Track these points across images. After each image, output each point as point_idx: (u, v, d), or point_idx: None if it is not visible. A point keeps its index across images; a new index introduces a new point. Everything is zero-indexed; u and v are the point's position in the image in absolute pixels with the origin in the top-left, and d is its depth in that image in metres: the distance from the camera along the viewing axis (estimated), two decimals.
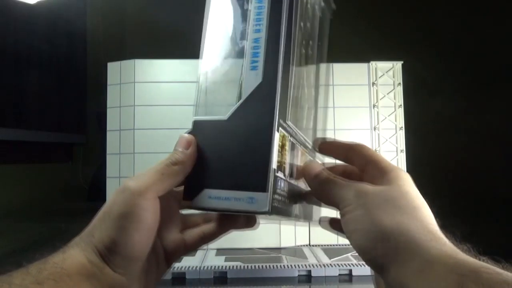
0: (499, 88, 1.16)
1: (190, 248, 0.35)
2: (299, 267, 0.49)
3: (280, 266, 0.49)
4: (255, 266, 0.49)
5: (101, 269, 0.28)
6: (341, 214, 0.31)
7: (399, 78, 0.64)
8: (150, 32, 1.13)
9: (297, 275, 0.48)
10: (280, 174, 0.31)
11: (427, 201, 0.30)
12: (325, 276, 0.48)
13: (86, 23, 1.18)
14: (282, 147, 0.32)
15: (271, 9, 0.33)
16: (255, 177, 0.29)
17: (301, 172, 0.35)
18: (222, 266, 0.49)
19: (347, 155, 0.35)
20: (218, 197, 0.30)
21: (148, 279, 0.32)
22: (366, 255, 0.29)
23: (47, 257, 0.28)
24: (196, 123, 0.32)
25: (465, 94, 1.15)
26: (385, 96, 0.64)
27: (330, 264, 0.49)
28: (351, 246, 0.62)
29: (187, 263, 0.50)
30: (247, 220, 0.34)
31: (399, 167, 0.32)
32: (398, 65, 0.64)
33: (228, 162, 0.30)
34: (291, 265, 0.49)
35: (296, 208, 0.35)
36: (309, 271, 0.48)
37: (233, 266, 0.49)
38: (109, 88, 0.64)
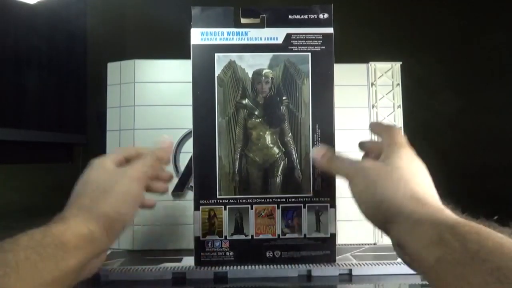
0: (498, 88, 1.16)
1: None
2: (299, 267, 0.49)
3: (280, 266, 0.49)
4: (255, 266, 0.49)
5: (99, 238, 0.35)
6: (348, 185, 0.39)
7: (398, 78, 0.64)
8: (150, 32, 1.13)
9: (297, 275, 0.48)
10: (211, 237, 0.49)
11: None
12: (325, 276, 0.48)
13: (86, 23, 1.18)
14: (211, 217, 0.49)
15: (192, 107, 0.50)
16: None
17: (312, 157, 0.44)
18: (223, 266, 0.49)
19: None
20: None
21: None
22: (371, 222, 0.37)
23: (48, 225, 0.33)
24: None
25: (465, 94, 1.16)
26: (384, 96, 0.64)
27: (330, 264, 0.50)
28: (351, 246, 0.63)
29: (187, 263, 0.51)
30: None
31: (400, 143, 0.39)
32: (397, 65, 0.65)
33: None
34: (291, 265, 0.49)
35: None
36: (309, 271, 0.49)
37: (233, 266, 0.49)
38: (109, 88, 0.64)
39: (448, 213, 0.32)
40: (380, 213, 0.35)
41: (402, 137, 0.40)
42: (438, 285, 0.28)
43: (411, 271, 0.49)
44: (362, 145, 0.46)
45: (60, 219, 0.34)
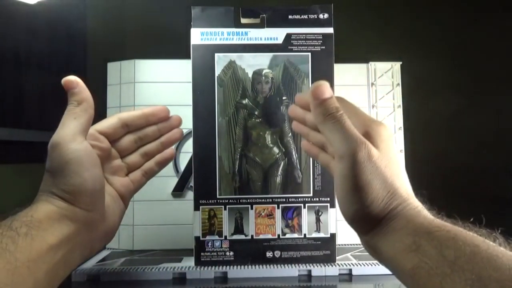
0: (498, 88, 1.16)
1: (138, 185, 0.43)
2: (299, 267, 0.49)
3: (280, 266, 0.49)
4: (255, 266, 0.49)
5: (71, 211, 0.33)
6: (336, 163, 0.33)
7: (398, 78, 0.64)
8: (150, 32, 1.13)
9: (297, 275, 0.48)
10: (211, 238, 0.49)
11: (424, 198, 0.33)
12: (325, 276, 0.48)
13: (86, 23, 1.18)
14: (211, 217, 0.49)
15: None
16: None
17: (311, 93, 0.34)
18: (223, 266, 0.49)
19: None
20: None
21: (113, 218, 0.39)
22: (347, 219, 0.34)
23: (13, 216, 0.31)
24: None
25: (465, 94, 1.16)
26: (384, 96, 0.64)
27: (330, 264, 0.50)
28: (351, 246, 0.63)
29: (187, 263, 0.51)
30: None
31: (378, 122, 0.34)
32: (397, 65, 0.65)
33: None
34: (291, 265, 0.49)
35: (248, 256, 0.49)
36: (309, 271, 0.49)
37: (233, 266, 0.49)
38: (109, 88, 0.64)
39: (425, 215, 0.30)
40: (363, 216, 0.32)
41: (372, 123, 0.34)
42: None
43: None
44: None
45: (24, 210, 0.33)
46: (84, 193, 0.34)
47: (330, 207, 0.50)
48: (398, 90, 0.64)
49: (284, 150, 0.50)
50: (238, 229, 0.49)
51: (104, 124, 0.41)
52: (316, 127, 0.36)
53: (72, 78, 0.36)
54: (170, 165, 0.61)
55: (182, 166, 0.61)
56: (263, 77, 0.50)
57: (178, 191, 0.60)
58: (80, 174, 0.34)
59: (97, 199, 0.36)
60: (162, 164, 0.45)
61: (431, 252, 0.26)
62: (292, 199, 0.50)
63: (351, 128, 0.32)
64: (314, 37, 0.50)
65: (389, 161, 0.32)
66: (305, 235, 0.50)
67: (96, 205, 0.36)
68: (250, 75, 0.50)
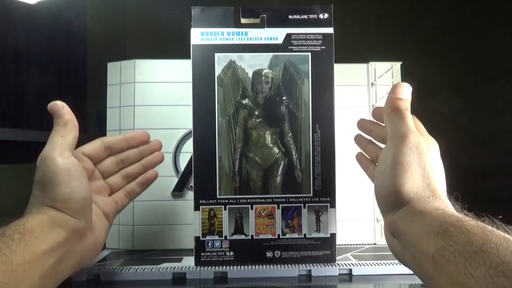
0: (498, 88, 1.16)
1: (121, 205, 0.46)
2: (299, 267, 0.49)
3: (280, 266, 0.49)
4: (255, 266, 0.49)
5: (61, 219, 0.36)
6: (386, 144, 0.38)
7: (398, 78, 0.64)
8: (150, 32, 1.13)
9: (297, 275, 0.48)
10: (211, 238, 0.49)
11: None
12: (325, 276, 0.48)
13: (86, 23, 1.18)
14: (211, 217, 0.49)
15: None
16: None
17: (393, 87, 0.40)
18: (223, 266, 0.49)
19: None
20: None
21: (99, 233, 0.41)
22: (379, 193, 0.37)
23: (5, 226, 0.33)
24: None
25: (464, 94, 1.16)
26: (384, 96, 0.64)
27: (330, 264, 0.50)
28: (351, 246, 0.63)
29: (187, 263, 0.51)
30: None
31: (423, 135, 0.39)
32: (397, 65, 0.65)
33: None
34: (291, 265, 0.49)
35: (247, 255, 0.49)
36: (309, 271, 0.49)
37: (233, 266, 0.49)
38: (109, 88, 0.64)
39: (453, 210, 0.33)
40: (395, 193, 0.35)
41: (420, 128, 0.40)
42: (434, 275, 0.28)
43: (411, 271, 0.49)
44: (362, 125, 0.49)
45: (16, 220, 0.35)
46: (74, 200, 0.37)
47: (330, 207, 0.50)
48: None
49: (284, 150, 0.50)
50: (238, 229, 0.49)
51: (88, 147, 0.43)
52: (373, 141, 0.47)
53: (58, 102, 0.39)
54: (170, 165, 0.61)
55: (182, 166, 0.61)
56: (263, 77, 0.50)
57: (178, 191, 0.60)
58: (69, 183, 0.36)
59: (86, 207, 0.38)
60: (144, 185, 0.48)
61: (458, 237, 0.27)
62: (292, 199, 0.50)
63: (411, 121, 0.37)
64: (314, 37, 0.50)
65: (432, 161, 0.36)
66: (305, 235, 0.50)
67: (85, 213, 0.38)
68: (250, 75, 0.50)
